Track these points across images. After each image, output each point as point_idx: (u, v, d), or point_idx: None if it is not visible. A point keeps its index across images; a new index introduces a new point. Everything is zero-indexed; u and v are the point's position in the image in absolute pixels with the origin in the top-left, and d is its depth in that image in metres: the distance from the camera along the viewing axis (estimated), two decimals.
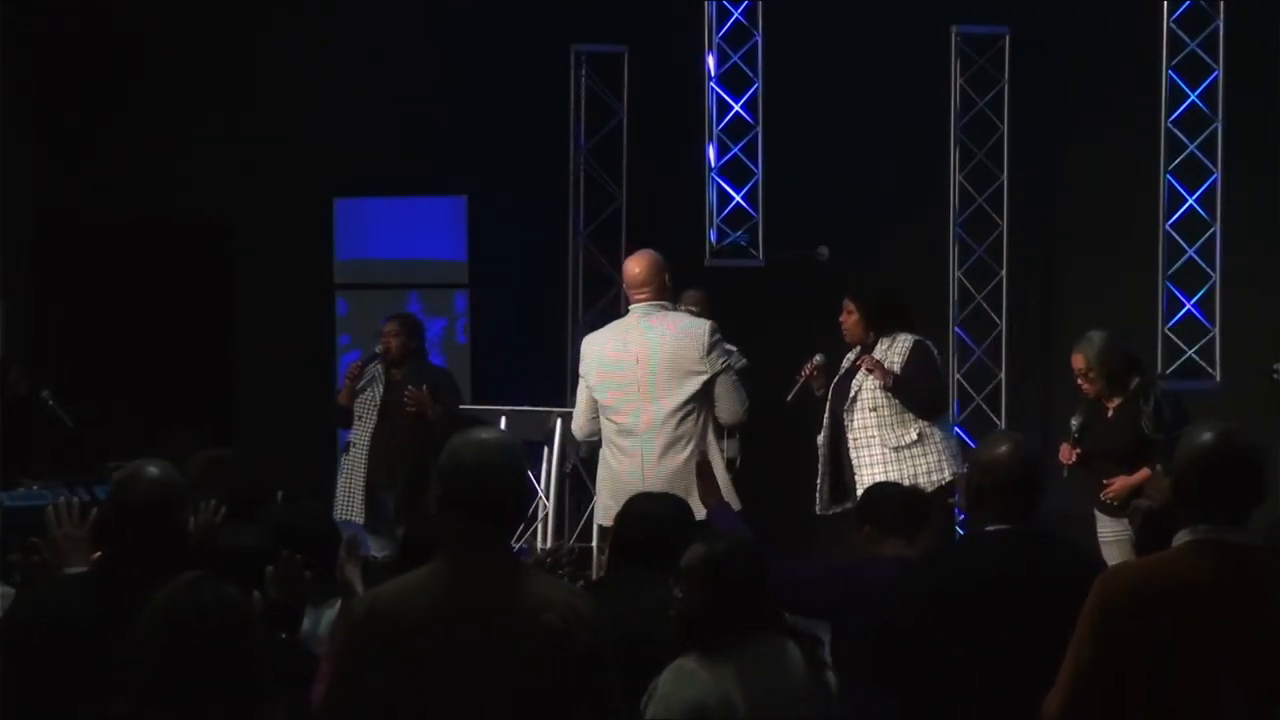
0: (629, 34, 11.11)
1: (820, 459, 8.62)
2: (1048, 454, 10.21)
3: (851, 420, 8.42)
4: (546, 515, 8.43)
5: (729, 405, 7.30)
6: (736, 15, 10.93)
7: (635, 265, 7.39)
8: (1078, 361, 8.50)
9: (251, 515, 5.18)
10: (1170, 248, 10.30)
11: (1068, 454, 8.50)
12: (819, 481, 8.59)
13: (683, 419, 7.27)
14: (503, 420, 8.08)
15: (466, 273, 11.41)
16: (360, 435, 9.49)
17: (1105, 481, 8.36)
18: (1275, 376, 9.28)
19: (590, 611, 3.98)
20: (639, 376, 7.28)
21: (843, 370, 8.60)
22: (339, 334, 11.50)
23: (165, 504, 4.43)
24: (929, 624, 4.59)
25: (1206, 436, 4.01)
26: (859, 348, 8.54)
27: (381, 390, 9.51)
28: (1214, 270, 10.22)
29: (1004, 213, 10.67)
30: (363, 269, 11.49)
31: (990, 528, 4.68)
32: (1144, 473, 8.19)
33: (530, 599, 3.92)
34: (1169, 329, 10.22)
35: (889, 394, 8.34)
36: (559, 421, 8.49)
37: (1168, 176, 10.30)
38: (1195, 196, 10.28)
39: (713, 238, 10.87)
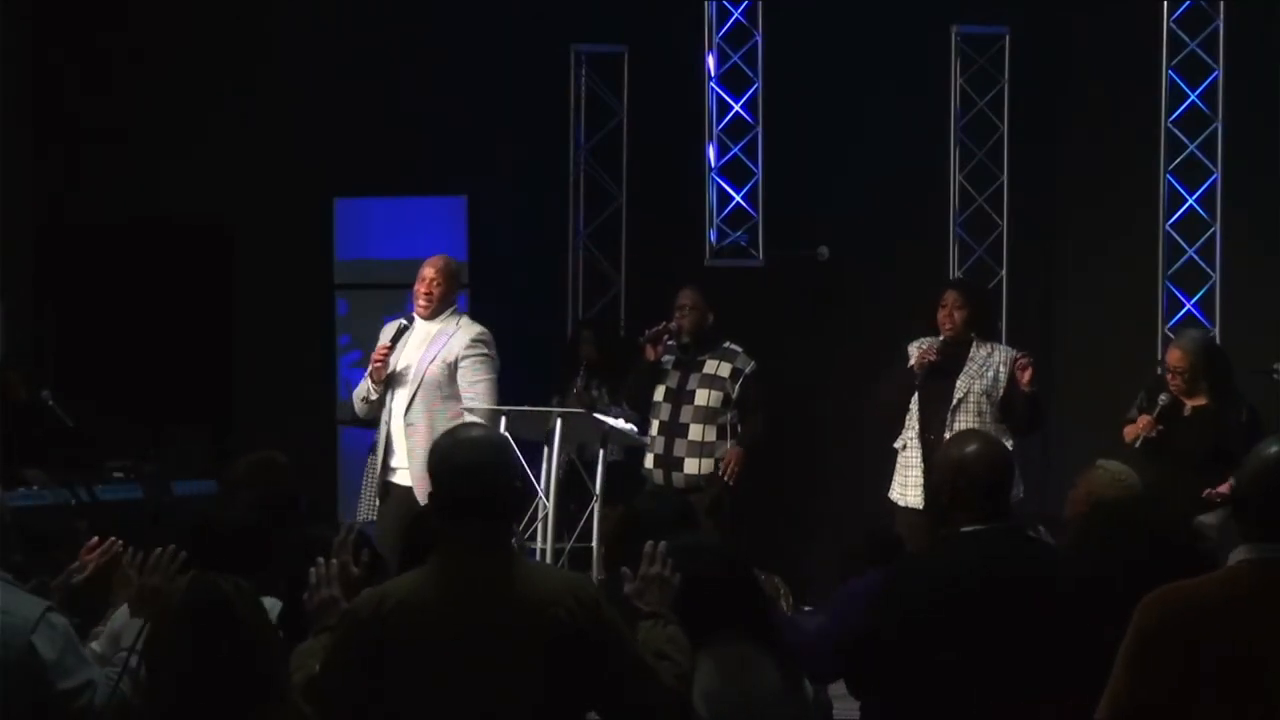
0: (629, 34, 11.10)
1: (910, 459, 8.46)
2: (1049, 454, 10.20)
3: (953, 422, 8.25)
4: (547, 515, 8.40)
5: None
6: (736, 15, 10.92)
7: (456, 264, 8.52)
8: (1174, 358, 8.36)
9: (283, 520, 5.19)
10: (1170, 248, 10.31)
11: (1149, 425, 8.22)
12: (904, 477, 8.45)
13: None
14: (503, 420, 8.05)
15: (467, 273, 11.39)
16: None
17: (1210, 492, 7.95)
18: (1275, 376, 9.27)
19: (594, 595, 3.99)
20: None
21: (920, 367, 8.44)
22: (339, 334, 11.49)
23: None
24: (912, 630, 4.56)
25: (1270, 453, 3.75)
26: (935, 343, 8.40)
27: None
28: (1214, 270, 10.23)
29: (1004, 213, 10.67)
30: (363, 269, 11.47)
31: (966, 529, 4.64)
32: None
33: (535, 596, 3.92)
34: (1169, 329, 10.21)
35: (992, 400, 8.22)
36: (559, 421, 8.49)
37: (1168, 176, 10.30)
38: (1195, 196, 10.28)
39: (713, 238, 10.86)
